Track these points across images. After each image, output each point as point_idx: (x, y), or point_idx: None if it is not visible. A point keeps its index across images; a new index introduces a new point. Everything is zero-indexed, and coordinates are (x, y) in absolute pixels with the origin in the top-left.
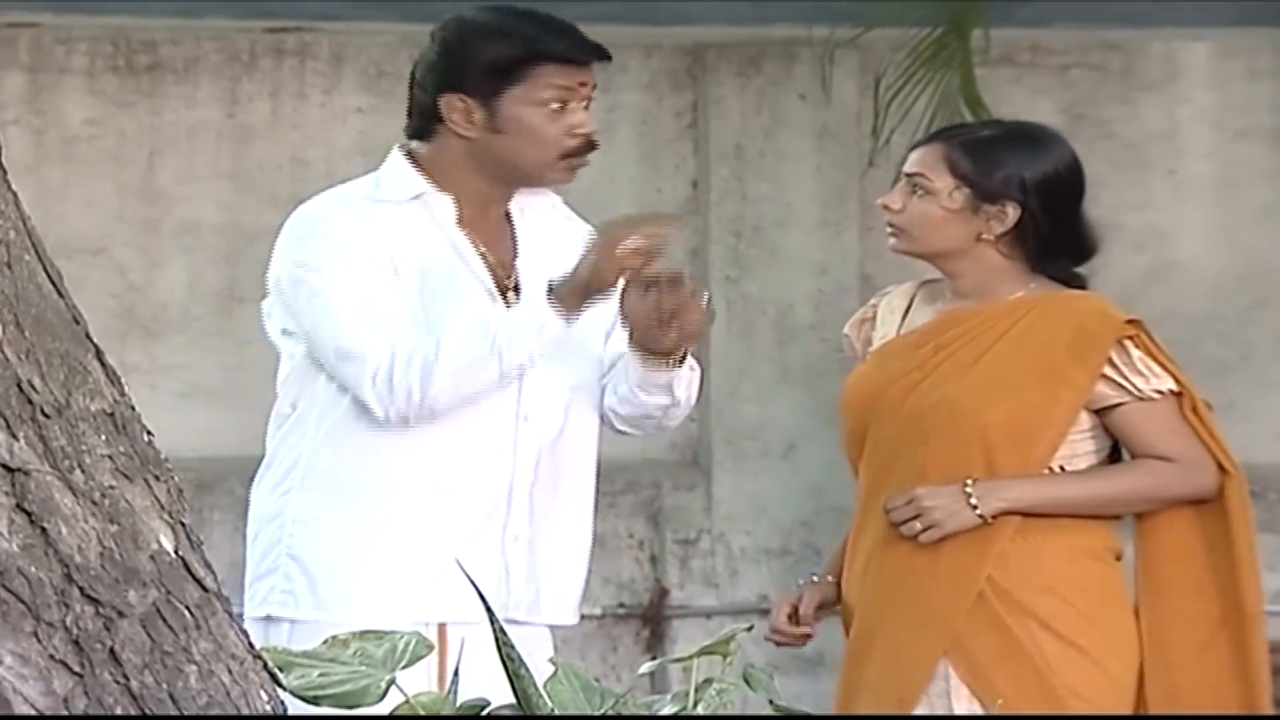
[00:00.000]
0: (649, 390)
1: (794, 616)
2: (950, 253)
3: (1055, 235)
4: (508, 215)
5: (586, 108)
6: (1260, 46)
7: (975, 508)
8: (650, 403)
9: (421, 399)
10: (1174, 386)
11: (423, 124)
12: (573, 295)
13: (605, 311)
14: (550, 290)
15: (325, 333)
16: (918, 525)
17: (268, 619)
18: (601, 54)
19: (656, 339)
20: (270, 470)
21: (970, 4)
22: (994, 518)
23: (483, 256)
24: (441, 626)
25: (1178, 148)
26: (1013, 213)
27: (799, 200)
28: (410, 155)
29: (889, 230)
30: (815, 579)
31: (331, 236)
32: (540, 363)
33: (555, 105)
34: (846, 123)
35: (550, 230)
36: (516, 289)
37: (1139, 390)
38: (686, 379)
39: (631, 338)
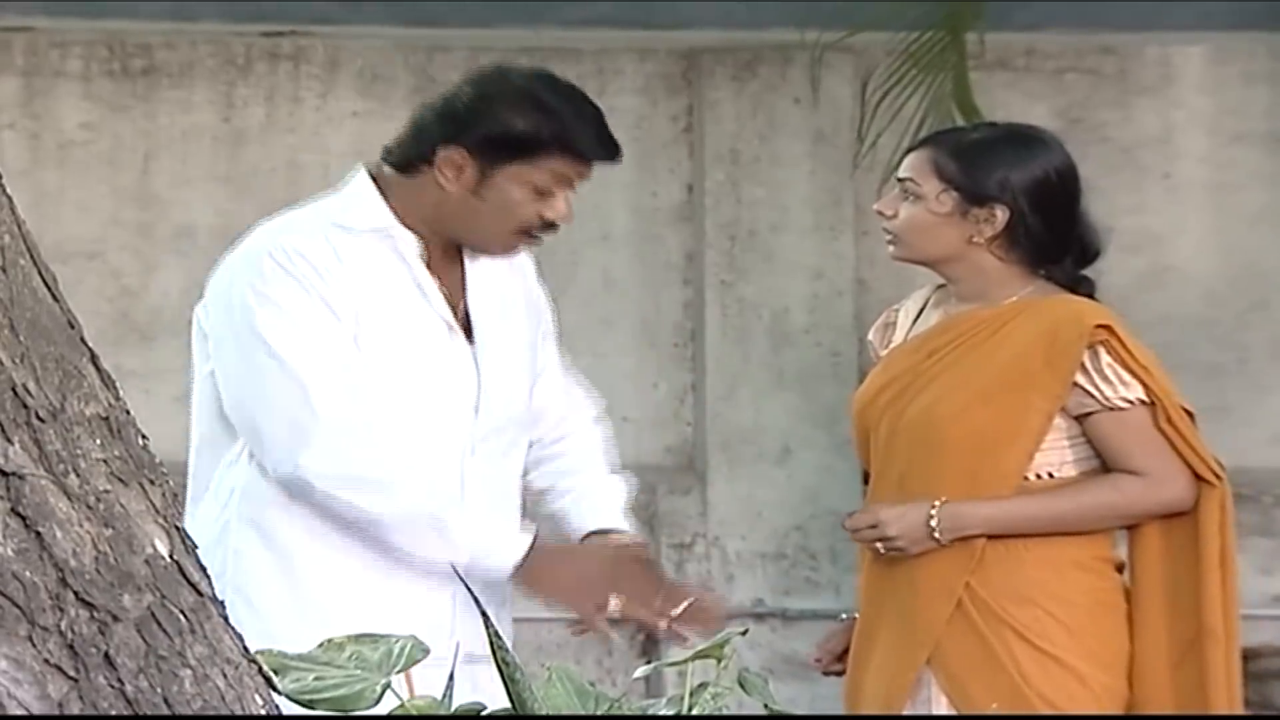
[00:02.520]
0: None
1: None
2: (944, 258)
3: (1049, 237)
4: (459, 248)
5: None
6: (1255, 51)
7: (937, 539)
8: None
9: (343, 498)
10: (1144, 396)
11: (411, 160)
12: (532, 585)
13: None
14: (527, 558)
15: (271, 382)
16: (881, 548)
17: None
18: (616, 155)
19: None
20: (207, 495)
21: (965, 7)
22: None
23: (444, 294)
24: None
25: (1172, 152)
26: (1001, 215)
27: (794, 204)
28: (377, 181)
29: (886, 238)
30: (847, 617)
31: (292, 288)
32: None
33: (540, 189)
34: (841, 127)
35: (497, 263)
36: (468, 324)
37: (1106, 399)
38: None
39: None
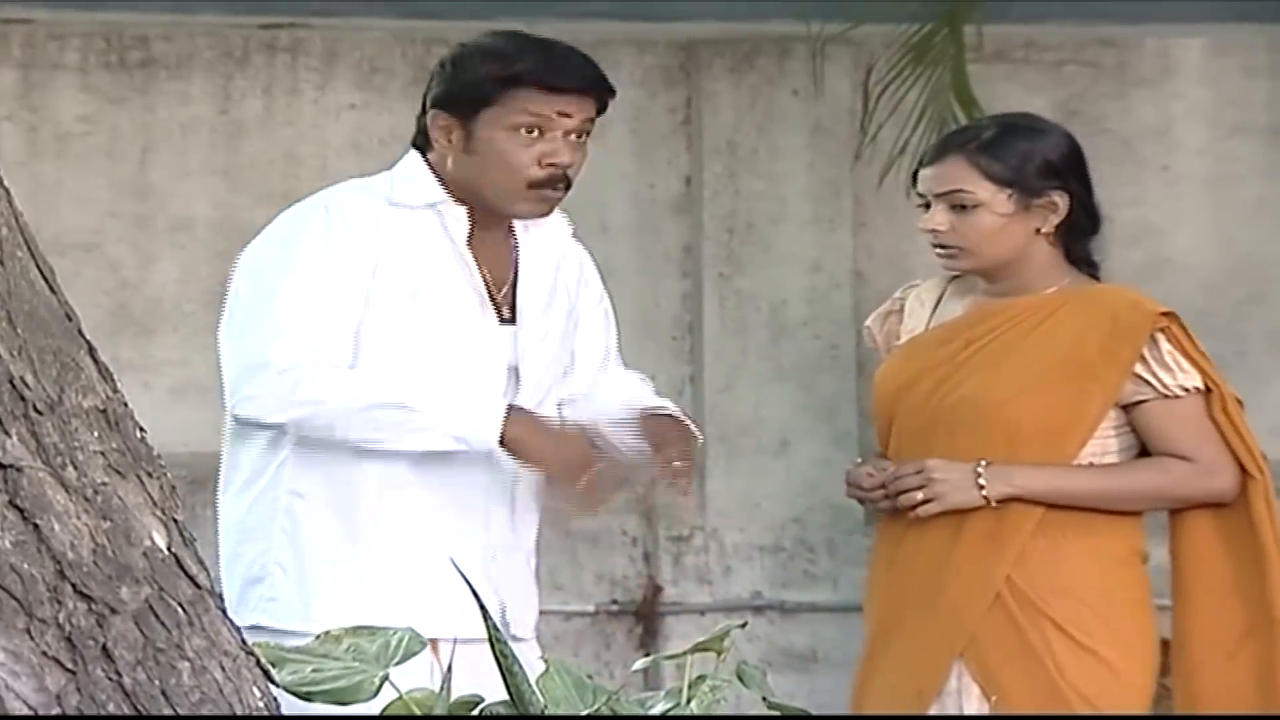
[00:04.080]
0: None
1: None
2: (1013, 258)
3: (1092, 211)
4: (511, 228)
5: (581, 140)
6: (1254, 43)
7: (982, 489)
8: None
9: (296, 425)
10: (1199, 384)
11: (424, 136)
12: (520, 449)
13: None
14: (509, 419)
15: (257, 315)
16: (919, 496)
17: (254, 628)
18: (587, 82)
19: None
20: (243, 478)
21: (964, 0)
22: (999, 502)
23: (485, 273)
24: (433, 642)
25: (1171, 144)
26: (1061, 201)
27: (792, 196)
28: (426, 160)
29: (941, 253)
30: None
31: (318, 241)
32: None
33: (528, 131)
34: (840, 119)
35: (553, 249)
36: (512, 307)
37: (1164, 386)
38: None
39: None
